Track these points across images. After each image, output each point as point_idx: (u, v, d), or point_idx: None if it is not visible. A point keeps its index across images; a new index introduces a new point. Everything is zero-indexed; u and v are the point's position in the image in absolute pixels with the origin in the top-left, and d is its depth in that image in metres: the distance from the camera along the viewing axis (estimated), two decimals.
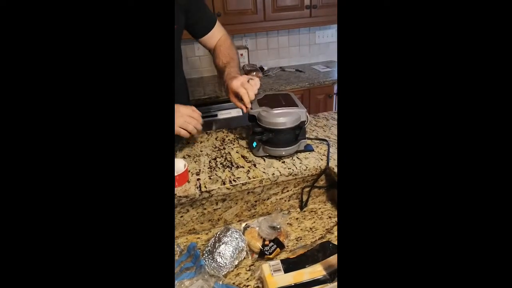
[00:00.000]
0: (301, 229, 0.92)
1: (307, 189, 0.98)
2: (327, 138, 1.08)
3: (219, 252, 0.78)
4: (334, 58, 2.58)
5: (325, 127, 1.17)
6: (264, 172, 0.91)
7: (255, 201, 0.96)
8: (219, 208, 0.93)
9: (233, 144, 1.09)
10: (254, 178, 0.89)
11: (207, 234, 0.94)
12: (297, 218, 0.97)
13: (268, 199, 0.97)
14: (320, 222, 0.95)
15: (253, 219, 0.98)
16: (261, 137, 0.95)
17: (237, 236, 0.82)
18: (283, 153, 0.96)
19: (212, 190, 0.86)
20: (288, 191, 0.98)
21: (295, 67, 2.43)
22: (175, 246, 0.88)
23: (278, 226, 0.85)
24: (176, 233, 0.93)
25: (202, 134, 1.19)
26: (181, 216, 0.90)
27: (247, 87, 0.96)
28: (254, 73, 2.09)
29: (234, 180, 0.88)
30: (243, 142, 1.10)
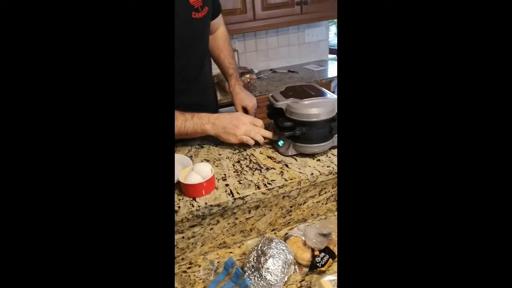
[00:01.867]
0: None
1: None
2: None
3: (267, 268, 0.66)
4: (325, 57, 2.55)
5: None
6: (300, 173, 0.80)
7: (291, 207, 0.85)
8: (252, 216, 0.81)
9: (255, 145, 0.98)
10: (291, 179, 0.78)
11: (239, 247, 0.82)
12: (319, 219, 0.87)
13: (304, 203, 0.86)
14: None
15: (288, 227, 0.87)
16: (292, 133, 0.84)
17: (283, 247, 0.70)
18: (316, 150, 0.86)
19: (246, 196, 0.74)
20: (326, 192, 0.87)
21: (287, 68, 2.36)
22: (208, 264, 0.74)
23: (330, 233, 0.74)
24: (206, 248, 0.79)
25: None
26: (211, 229, 0.77)
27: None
28: (248, 75, 1.99)
29: (269, 183, 0.77)
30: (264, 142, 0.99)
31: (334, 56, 2.91)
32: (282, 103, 0.86)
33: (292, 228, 0.86)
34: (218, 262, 0.77)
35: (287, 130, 0.85)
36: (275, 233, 0.85)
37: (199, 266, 0.76)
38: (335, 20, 3.64)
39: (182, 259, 0.78)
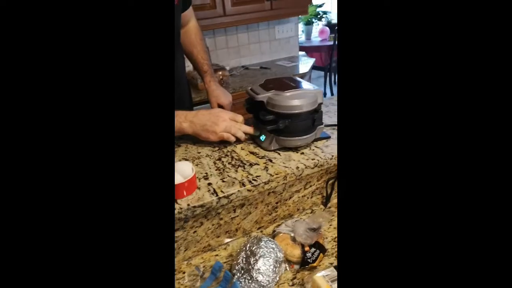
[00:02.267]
0: (334, 228, 0.80)
1: (331, 181, 0.87)
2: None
3: (258, 269, 0.63)
4: (296, 53, 2.55)
5: (329, 113, 1.07)
6: (286, 167, 0.77)
7: (276, 203, 0.82)
8: (237, 215, 0.77)
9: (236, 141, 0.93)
10: (276, 174, 0.75)
11: (225, 249, 0.77)
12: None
13: (290, 198, 0.83)
14: None
15: (274, 224, 0.84)
16: (275, 126, 0.81)
17: (273, 246, 0.67)
18: (300, 143, 0.84)
19: (231, 194, 0.70)
20: (311, 186, 0.85)
21: (259, 64, 2.34)
22: (193, 269, 0.69)
23: (319, 227, 0.72)
24: (189, 253, 0.74)
25: None
26: (194, 232, 0.72)
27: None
28: (221, 72, 1.94)
29: (254, 180, 0.73)
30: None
31: (303, 53, 2.93)
32: (263, 95, 0.83)
33: (279, 225, 0.83)
34: (203, 267, 0.72)
35: (269, 124, 0.82)
36: (261, 231, 0.82)
37: (184, 273, 0.71)
38: (303, 17, 3.69)
39: None
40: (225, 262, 0.73)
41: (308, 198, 0.87)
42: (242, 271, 0.64)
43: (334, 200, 0.91)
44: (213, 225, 0.74)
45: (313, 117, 0.83)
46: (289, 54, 2.53)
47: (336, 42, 3.26)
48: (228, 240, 0.79)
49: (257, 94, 0.84)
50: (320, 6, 3.92)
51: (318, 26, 3.97)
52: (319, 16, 3.92)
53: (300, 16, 2.91)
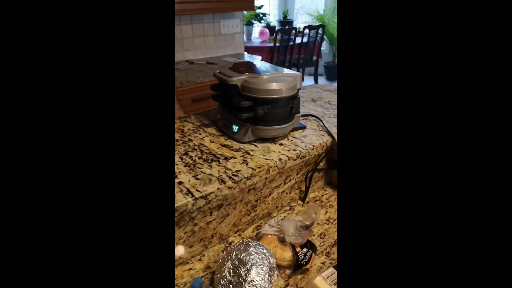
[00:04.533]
0: (318, 224, 0.73)
1: (309, 174, 0.80)
2: (312, 112, 0.91)
3: (251, 281, 0.52)
4: (242, 50, 2.47)
5: None
6: (267, 159, 0.68)
7: (256, 201, 0.71)
8: (214, 219, 0.65)
9: (199, 134, 0.81)
10: (259, 168, 0.65)
11: (200, 260, 0.64)
12: (298, 211, 0.78)
13: (269, 194, 0.74)
14: (333, 210, 0.78)
15: (252, 226, 0.73)
16: (251, 114, 0.71)
17: (264, 251, 0.57)
18: (277, 133, 0.75)
19: (210, 193, 0.58)
20: (290, 180, 0.77)
21: (204, 59, 2.20)
22: None
23: (312, 223, 0.63)
24: None
25: None
26: None
27: None
28: None
29: (235, 175, 0.62)
30: (212, 130, 0.83)
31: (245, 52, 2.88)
32: (237, 78, 0.72)
33: (258, 225, 0.73)
34: (176, 286, 0.58)
35: (245, 111, 0.71)
36: (239, 235, 0.71)
37: None
38: (246, 13, 3.65)
39: None
40: (202, 277, 0.60)
41: (287, 194, 0.78)
42: (231, 286, 0.52)
43: (310, 195, 0.84)
44: (185, 233, 0.61)
45: (292, 103, 0.75)
46: (234, 51, 2.45)
47: (278, 44, 3.29)
48: (202, 249, 0.66)
49: (230, 77, 0.73)
50: (260, 7, 3.94)
51: (257, 28, 3.98)
52: (259, 17, 3.93)
53: (245, 12, 2.86)
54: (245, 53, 2.53)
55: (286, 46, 3.28)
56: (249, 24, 3.85)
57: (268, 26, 4.01)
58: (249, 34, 3.91)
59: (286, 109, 0.74)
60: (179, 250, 0.61)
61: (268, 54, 3.70)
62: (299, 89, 0.76)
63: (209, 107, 1.80)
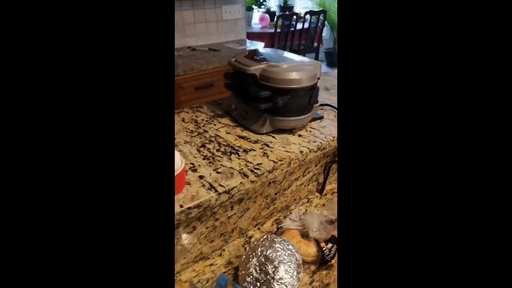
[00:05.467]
0: None
1: (328, 165, 0.78)
2: (326, 101, 0.89)
3: (280, 279, 0.50)
4: (243, 36, 2.41)
5: None
6: (287, 152, 0.66)
7: (275, 194, 0.70)
8: (234, 213, 0.63)
9: (214, 125, 0.78)
10: (280, 161, 0.62)
11: (220, 255, 0.62)
12: (323, 205, 0.76)
13: (288, 187, 0.72)
14: None
15: (271, 219, 0.72)
16: (270, 104, 0.68)
17: (290, 247, 0.55)
18: (296, 124, 0.73)
19: (233, 188, 0.55)
20: (309, 172, 0.75)
21: (206, 46, 2.14)
22: (190, 287, 0.54)
23: (336, 218, 0.62)
24: (178, 267, 0.58)
25: None
26: (186, 239, 0.56)
27: None
28: None
29: (257, 169, 0.60)
30: (226, 120, 0.80)
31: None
32: (256, 67, 0.69)
33: (277, 219, 0.72)
34: (199, 282, 0.57)
35: (263, 102, 0.69)
36: (258, 229, 0.69)
37: None
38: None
39: None
40: (224, 272, 0.59)
41: (305, 186, 0.77)
42: (258, 284, 0.51)
43: (327, 187, 0.82)
44: (207, 228, 0.59)
45: (311, 93, 0.72)
46: (236, 37, 2.39)
47: (278, 30, 3.22)
48: (223, 244, 0.64)
49: (247, 66, 0.69)
50: None
51: (256, 14, 3.89)
52: (259, 2, 3.84)
53: None
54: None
55: (287, 32, 3.21)
56: (249, 9, 3.76)
57: (268, 11, 3.92)
58: (249, 20, 3.82)
59: (306, 99, 0.71)
60: (184, 238, 0.60)
61: (269, 40, 3.63)
62: (318, 78, 0.73)
63: (213, 95, 1.77)
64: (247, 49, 2.16)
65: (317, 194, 0.80)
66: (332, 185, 0.83)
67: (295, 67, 0.69)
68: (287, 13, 3.29)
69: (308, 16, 3.31)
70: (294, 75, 0.67)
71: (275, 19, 3.24)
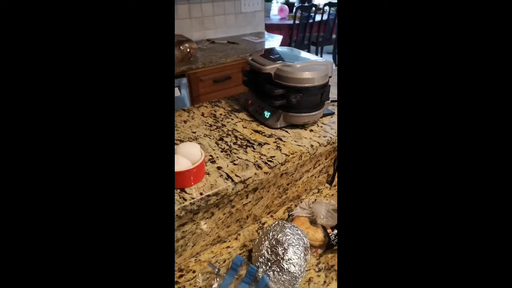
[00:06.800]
0: None
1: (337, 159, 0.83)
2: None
3: (289, 259, 0.56)
4: (262, 29, 2.44)
5: None
6: (299, 146, 0.71)
7: (287, 184, 0.75)
8: (249, 201, 0.69)
9: (231, 119, 0.84)
10: (292, 154, 0.68)
11: (236, 239, 0.69)
12: (332, 195, 0.81)
13: (300, 178, 0.77)
14: None
15: (283, 207, 0.78)
16: (284, 101, 0.73)
17: (299, 232, 0.61)
18: (309, 119, 0.78)
19: (248, 178, 0.61)
20: (319, 165, 0.80)
21: (225, 39, 2.19)
22: (206, 267, 0.61)
23: None
24: (197, 248, 0.65)
25: (180, 113, 0.88)
26: (205, 224, 0.63)
27: None
28: (187, 44, 1.77)
29: (270, 161, 0.65)
30: (243, 115, 0.86)
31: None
32: (271, 67, 0.74)
33: (289, 207, 0.77)
34: (216, 262, 0.63)
35: (277, 99, 0.74)
36: (271, 216, 0.75)
37: (193, 272, 0.62)
38: None
39: None
40: (239, 254, 0.65)
41: (315, 177, 0.82)
42: (269, 263, 0.57)
43: (337, 178, 0.87)
44: (224, 214, 0.65)
45: (323, 91, 0.76)
46: (255, 30, 2.42)
47: (298, 22, 3.21)
48: (238, 229, 0.71)
49: (263, 65, 0.74)
50: None
51: (275, 5, 3.88)
52: None
53: None
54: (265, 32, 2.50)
55: (305, 23, 3.20)
56: (268, 0, 3.76)
57: (287, 2, 3.91)
58: (267, 11, 3.82)
59: (317, 96, 0.76)
60: (203, 223, 0.66)
61: (287, 32, 3.62)
62: (330, 77, 0.77)
63: (230, 88, 1.82)
64: (265, 41, 2.19)
65: (327, 185, 0.85)
66: None
67: (308, 66, 0.73)
68: (306, 4, 3.27)
69: (327, 8, 3.28)
70: (306, 75, 0.72)
71: (294, 10, 3.23)
